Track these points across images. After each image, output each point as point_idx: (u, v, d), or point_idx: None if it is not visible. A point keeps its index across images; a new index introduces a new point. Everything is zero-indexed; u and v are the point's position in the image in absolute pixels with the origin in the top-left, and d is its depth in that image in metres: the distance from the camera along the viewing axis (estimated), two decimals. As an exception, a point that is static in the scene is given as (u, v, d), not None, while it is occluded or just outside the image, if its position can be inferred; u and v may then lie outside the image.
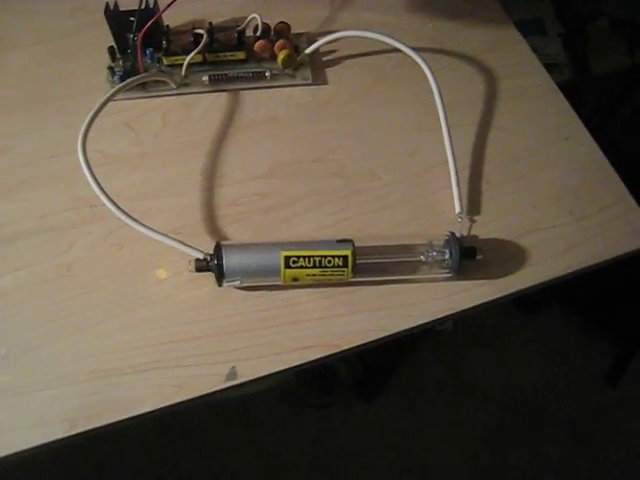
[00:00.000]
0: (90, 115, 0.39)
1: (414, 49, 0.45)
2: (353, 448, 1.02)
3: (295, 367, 0.36)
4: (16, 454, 0.34)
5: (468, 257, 0.38)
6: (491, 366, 1.12)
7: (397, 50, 0.46)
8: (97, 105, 0.40)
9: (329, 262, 0.36)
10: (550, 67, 1.06)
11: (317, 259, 0.36)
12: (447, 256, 0.38)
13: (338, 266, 0.36)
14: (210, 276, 0.37)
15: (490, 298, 0.39)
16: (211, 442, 1.01)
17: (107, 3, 0.46)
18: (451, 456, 1.03)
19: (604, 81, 1.13)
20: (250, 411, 1.04)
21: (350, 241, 0.37)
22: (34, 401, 0.35)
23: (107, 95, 0.41)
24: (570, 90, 1.10)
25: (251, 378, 0.36)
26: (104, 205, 0.38)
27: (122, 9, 0.46)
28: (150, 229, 0.37)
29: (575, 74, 1.08)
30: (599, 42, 1.11)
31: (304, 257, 0.36)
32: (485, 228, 0.41)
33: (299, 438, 1.03)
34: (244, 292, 0.38)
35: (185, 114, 0.46)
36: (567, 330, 1.16)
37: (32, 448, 0.34)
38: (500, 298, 0.39)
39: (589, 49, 1.11)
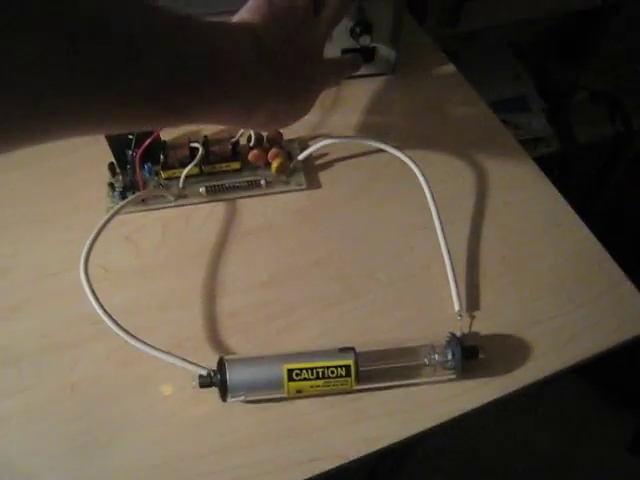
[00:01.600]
0: (91, 237, 0.41)
1: (401, 149, 0.47)
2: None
3: (302, 482, 0.36)
4: None
5: (470, 357, 0.38)
6: (508, 439, 1.10)
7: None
8: (98, 226, 0.41)
9: (332, 372, 0.36)
10: (537, 141, 1.10)
11: (320, 370, 0.36)
12: (449, 357, 0.38)
13: (341, 376, 0.36)
14: (214, 390, 0.37)
15: (496, 397, 0.39)
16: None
17: (106, 124, 0.48)
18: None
19: (591, 149, 1.16)
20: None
21: (352, 349, 0.37)
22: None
23: (107, 216, 0.42)
24: (558, 161, 1.13)
25: (258, 497, 0.35)
26: (105, 322, 0.38)
27: (120, 128, 0.48)
28: (152, 347, 0.37)
29: (562, 146, 1.11)
30: (581, 113, 1.15)
31: (307, 369, 0.36)
32: (486, 323, 0.42)
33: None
34: (249, 405, 0.38)
35: (184, 225, 0.47)
36: (584, 399, 1.14)
37: None
38: (506, 396, 0.39)
39: (573, 121, 1.15)
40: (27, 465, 0.36)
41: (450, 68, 0.59)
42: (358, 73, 0.56)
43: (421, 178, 0.46)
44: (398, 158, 0.47)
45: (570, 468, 1.07)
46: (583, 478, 1.06)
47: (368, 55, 0.55)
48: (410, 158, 0.47)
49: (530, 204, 0.48)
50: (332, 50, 0.54)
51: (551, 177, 0.50)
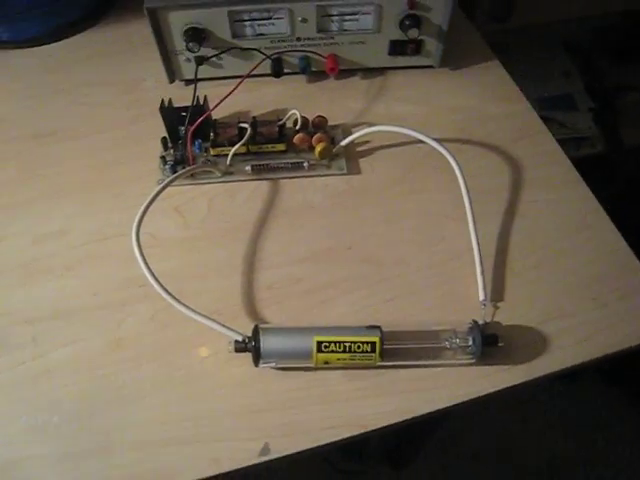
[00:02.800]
0: (144, 205, 0.44)
1: (441, 141, 0.49)
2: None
3: (324, 446, 0.39)
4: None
5: (490, 344, 0.40)
6: (528, 435, 1.11)
7: (426, 141, 0.50)
8: (151, 195, 0.44)
9: (358, 348, 0.39)
10: (581, 141, 1.10)
11: (347, 345, 0.38)
12: (470, 343, 0.40)
13: (367, 351, 0.39)
14: (248, 355, 0.40)
15: (511, 384, 0.40)
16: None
17: (162, 100, 0.51)
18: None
19: (636, 153, 1.14)
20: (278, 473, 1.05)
21: (378, 327, 0.40)
22: (81, 468, 0.38)
23: (160, 187, 0.45)
24: (602, 162, 1.12)
25: (283, 454, 0.38)
26: (152, 286, 0.41)
27: (175, 105, 0.51)
28: (193, 311, 0.41)
29: (606, 147, 1.10)
30: (630, 116, 1.14)
31: (335, 342, 0.38)
32: (508, 314, 0.43)
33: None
34: (279, 372, 0.41)
35: (229, 201, 0.50)
36: (607, 399, 1.14)
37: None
38: (521, 384, 0.41)
39: (621, 122, 1.14)
40: (72, 409, 0.40)
41: (495, 64, 0.60)
42: (404, 64, 0.58)
43: (457, 171, 0.47)
44: (437, 150, 0.49)
45: (586, 470, 1.08)
46: (596, 477, 1.06)
47: (416, 47, 0.57)
48: (448, 151, 0.48)
49: (563, 204, 0.50)
50: (381, 40, 0.56)
51: (592, 178, 0.51)
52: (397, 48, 0.57)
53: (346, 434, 0.39)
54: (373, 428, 0.39)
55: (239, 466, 0.38)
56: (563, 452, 1.09)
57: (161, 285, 0.41)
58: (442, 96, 0.58)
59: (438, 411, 0.40)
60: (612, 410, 1.14)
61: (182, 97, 0.52)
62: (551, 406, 1.14)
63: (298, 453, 0.38)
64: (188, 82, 0.59)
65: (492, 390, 0.40)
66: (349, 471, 1.06)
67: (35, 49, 0.66)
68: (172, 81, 0.59)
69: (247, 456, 0.38)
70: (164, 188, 0.45)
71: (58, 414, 0.40)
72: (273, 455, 0.38)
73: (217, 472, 0.37)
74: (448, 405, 0.40)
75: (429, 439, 1.07)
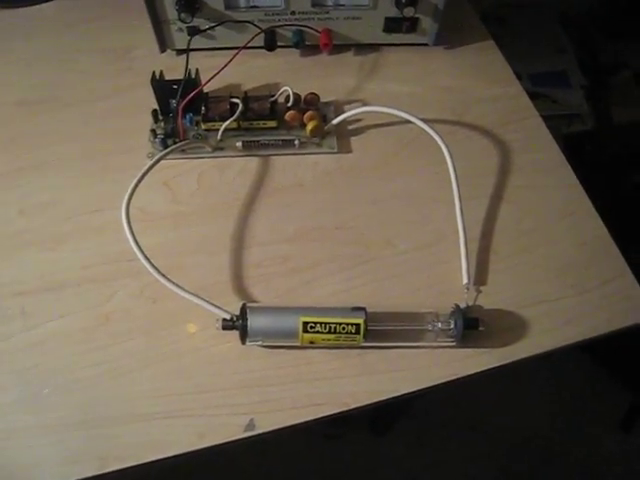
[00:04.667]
0: (135, 180, 0.44)
1: (431, 123, 0.49)
2: (363, 480, 1.05)
3: (308, 422, 0.40)
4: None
5: (471, 328, 0.41)
6: (502, 407, 1.14)
7: (417, 122, 0.50)
8: (142, 171, 0.44)
9: (343, 329, 0.39)
10: (572, 117, 1.10)
11: (332, 326, 0.39)
12: (452, 326, 0.41)
13: (351, 332, 0.40)
14: (235, 333, 0.41)
15: (491, 366, 0.42)
16: (221, 470, 1.03)
17: (154, 72, 0.51)
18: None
19: (626, 131, 1.15)
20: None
21: (363, 309, 0.41)
22: (70, 440, 0.39)
23: (152, 161, 0.45)
24: (591, 139, 1.13)
25: (268, 430, 0.39)
26: (141, 260, 0.42)
27: (167, 78, 0.51)
28: (181, 288, 0.41)
29: (597, 124, 1.11)
30: (622, 94, 1.14)
31: (321, 323, 0.39)
32: (490, 298, 0.44)
33: (309, 469, 1.05)
34: (265, 350, 0.42)
35: (218, 176, 0.50)
36: (580, 373, 1.17)
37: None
38: (500, 367, 0.42)
39: (613, 100, 1.14)
40: (62, 382, 0.41)
41: (490, 44, 0.60)
42: (399, 42, 0.58)
43: (446, 153, 0.48)
44: (426, 132, 0.49)
45: (562, 443, 1.11)
46: (570, 453, 1.10)
47: (411, 25, 0.57)
48: (437, 133, 0.48)
49: (549, 190, 0.50)
50: (376, 18, 0.56)
51: (582, 154, 0.51)
52: (392, 25, 0.57)
53: (329, 411, 0.40)
54: (356, 406, 0.40)
55: (224, 441, 0.39)
56: (538, 425, 1.12)
57: (149, 260, 0.41)
58: (435, 76, 0.58)
59: (419, 391, 0.41)
60: (585, 383, 1.17)
61: (173, 67, 0.52)
62: (526, 378, 1.16)
63: (282, 429, 0.39)
64: (180, 52, 0.59)
65: (471, 372, 0.41)
66: (331, 435, 1.09)
67: (21, 10, 0.65)
68: (163, 51, 0.58)
69: (232, 431, 0.39)
70: (155, 163, 0.45)
71: (48, 386, 0.41)
72: (258, 430, 0.39)
73: (202, 446, 0.39)
74: (428, 385, 0.41)
75: (407, 409, 1.10)
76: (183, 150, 0.51)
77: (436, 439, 1.10)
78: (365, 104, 0.53)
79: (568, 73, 1.08)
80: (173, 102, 0.51)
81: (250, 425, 0.39)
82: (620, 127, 1.14)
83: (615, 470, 1.08)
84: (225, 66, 0.50)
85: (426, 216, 0.48)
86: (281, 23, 0.56)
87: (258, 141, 0.51)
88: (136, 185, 0.44)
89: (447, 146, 0.48)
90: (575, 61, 1.09)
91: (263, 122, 0.51)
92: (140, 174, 0.44)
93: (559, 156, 0.52)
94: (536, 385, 1.16)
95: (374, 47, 0.60)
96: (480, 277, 0.45)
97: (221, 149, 0.51)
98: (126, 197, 0.43)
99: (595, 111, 1.11)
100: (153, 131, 0.51)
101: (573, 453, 1.10)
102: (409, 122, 0.51)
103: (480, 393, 1.14)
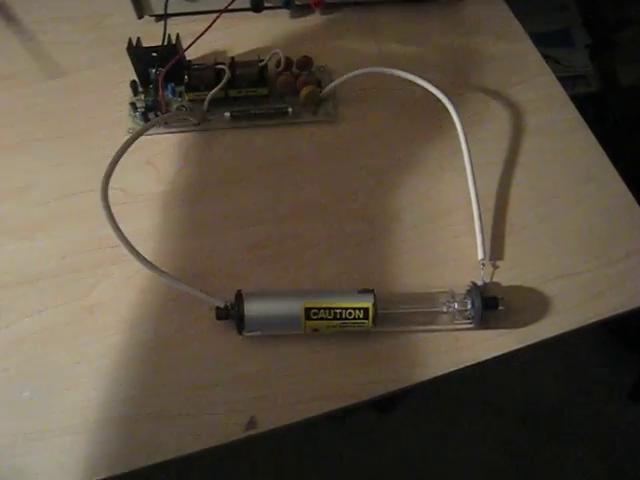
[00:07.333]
0: (112, 159, 0.39)
1: (435, 84, 0.45)
2: (369, 459, 1.03)
3: (314, 417, 0.36)
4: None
5: (490, 308, 0.37)
6: (509, 379, 1.11)
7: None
8: (120, 146, 0.40)
9: (350, 314, 0.36)
10: (577, 79, 1.05)
11: (338, 311, 0.36)
12: (469, 306, 0.37)
13: (359, 318, 0.36)
14: (231, 322, 0.37)
15: (512, 348, 0.38)
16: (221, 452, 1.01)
17: (130, 39, 0.46)
18: (468, 469, 1.03)
19: (633, 92, 1.10)
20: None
21: (371, 291, 0.37)
22: (55, 447, 0.35)
23: (129, 138, 0.40)
24: (596, 101, 1.08)
25: (270, 428, 0.36)
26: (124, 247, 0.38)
27: (145, 45, 0.46)
28: (170, 276, 0.37)
29: (602, 85, 1.06)
30: (628, 52, 1.09)
31: (325, 309, 0.36)
32: (508, 274, 0.41)
33: (315, 448, 1.03)
34: (264, 339, 0.38)
35: (206, 151, 0.46)
36: (588, 342, 1.15)
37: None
38: (522, 348, 0.38)
39: (618, 59, 1.09)
40: (44, 384, 0.37)
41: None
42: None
43: (455, 117, 0.44)
44: (432, 94, 0.45)
45: (567, 414, 1.09)
46: (578, 424, 1.08)
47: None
48: (444, 94, 0.44)
49: (566, 153, 0.46)
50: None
51: (586, 118, 0.48)
52: (390, -22, 0.52)
53: (337, 405, 0.37)
54: (366, 398, 0.37)
55: (224, 441, 0.36)
56: (545, 396, 1.10)
57: (133, 248, 0.37)
58: (438, 34, 0.53)
59: (435, 378, 0.37)
60: (592, 352, 1.15)
61: (152, 34, 0.48)
62: (533, 350, 1.14)
63: (286, 426, 0.36)
64: (159, 18, 0.54)
65: (491, 355, 0.38)
66: (335, 416, 1.07)
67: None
68: (141, 17, 0.53)
69: (232, 431, 0.36)
70: (135, 139, 0.41)
71: (28, 389, 0.37)
72: (260, 429, 0.36)
73: (201, 448, 0.35)
74: (446, 372, 0.38)
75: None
76: (166, 124, 0.47)
77: (442, 415, 1.07)
78: (363, 66, 0.48)
79: (571, 31, 1.03)
80: (153, 72, 0.47)
81: (251, 423, 0.36)
82: (629, 88, 1.10)
83: (626, 441, 1.07)
84: (207, 29, 0.46)
85: (435, 186, 0.44)
86: (268, -20, 0.51)
87: (248, 111, 0.47)
88: (114, 162, 0.39)
89: (455, 109, 0.44)
90: (578, 18, 1.04)
91: (253, 90, 0.47)
92: (118, 150, 0.40)
93: (576, 117, 0.48)
94: (544, 355, 1.13)
95: (370, 5, 0.55)
96: (496, 251, 0.42)
97: (208, 121, 0.47)
98: (103, 177, 0.39)
99: (600, 72, 1.07)
100: (133, 104, 0.47)
101: (584, 425, 1.08)
102: (412, 84, 0.47)
103: (485, 366, 1.11)
